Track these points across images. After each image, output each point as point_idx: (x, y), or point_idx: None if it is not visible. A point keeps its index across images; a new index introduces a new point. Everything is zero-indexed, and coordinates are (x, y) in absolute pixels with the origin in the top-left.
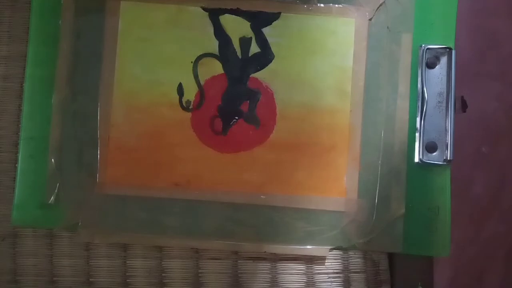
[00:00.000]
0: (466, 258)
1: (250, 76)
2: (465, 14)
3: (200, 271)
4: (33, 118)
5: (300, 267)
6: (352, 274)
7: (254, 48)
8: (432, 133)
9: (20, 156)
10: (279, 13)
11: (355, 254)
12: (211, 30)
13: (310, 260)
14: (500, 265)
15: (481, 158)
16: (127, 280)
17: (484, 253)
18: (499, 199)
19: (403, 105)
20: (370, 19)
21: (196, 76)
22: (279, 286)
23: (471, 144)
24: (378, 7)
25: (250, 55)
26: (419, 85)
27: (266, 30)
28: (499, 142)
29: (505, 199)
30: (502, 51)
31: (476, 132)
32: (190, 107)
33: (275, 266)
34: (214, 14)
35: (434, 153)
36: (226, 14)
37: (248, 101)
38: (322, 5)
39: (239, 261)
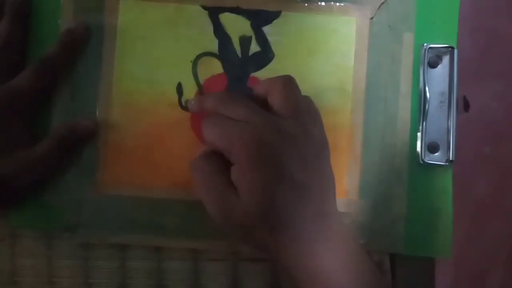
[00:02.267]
0: (468, 258)
1: (250, 75)
2: (467, 13)
3: (199, 272)
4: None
5: None
6: None
7: (254, 47)
8: (434, 133)
9: None
10: (280, 11)
11: None
12: (210, 28)
13: None
14: (502, 265)
15: (483, 158)
16: (126, 281)
17: (486, 253)
18: (501, 199)
19: (404, 104)
20: (371, 18)
21: (195, 75)
22: (279, 287)
23: (473, 144)
24: (380, 6)
25: (250, 54)
26: (421, 85)
27: (266, 29)
28: (501, 142)
29: (507, 199)
30: (503, 50)
31: (478, 132)
32: None
33: (275, 267)
34: (214, 13)
35: (436, 153)
36: (226, 13)
37: None
38: (323, 3)
39: (238, 262)
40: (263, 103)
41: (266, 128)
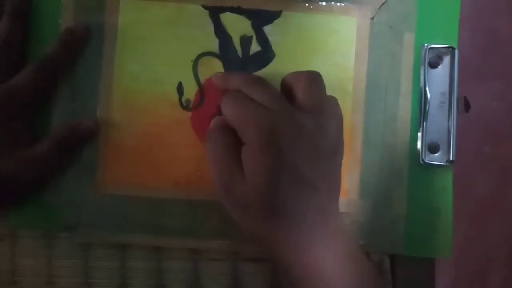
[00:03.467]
0: (468, 258)
1: None
2: (467, 13)
3: (199, 272)
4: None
5: None
6: None
7: (255, 47)
8: (434, 134)
9: None
10: (280, 11)
11: None
12: (211, 28)
13: None
14: (502, 265)
15: (483, 158)
16: (126, 281)
17: (486, 253)
18: (501, 199)
19: (405, 105)
20: (372, 18)
21: (196, 75)
22: (279, 287)
23: (473, 144)
24: (381, 6)
25: (250, 54)
26: (422, 85)
27: (267, 29)
28: (501, 141)
29: (507, 199)
30: (503, 50)
31: (478, 132)
32: (190, 107)
33: (275, 268)
34: (215, 12)
35: (437, 154)
36: (226, 13)
37: None
38: (323, 3)
39: (238, 262)
40: (287, 94)
41: (282, 117)
